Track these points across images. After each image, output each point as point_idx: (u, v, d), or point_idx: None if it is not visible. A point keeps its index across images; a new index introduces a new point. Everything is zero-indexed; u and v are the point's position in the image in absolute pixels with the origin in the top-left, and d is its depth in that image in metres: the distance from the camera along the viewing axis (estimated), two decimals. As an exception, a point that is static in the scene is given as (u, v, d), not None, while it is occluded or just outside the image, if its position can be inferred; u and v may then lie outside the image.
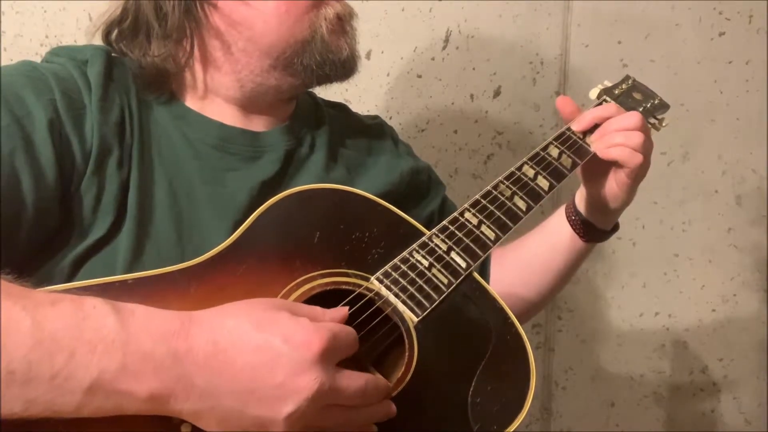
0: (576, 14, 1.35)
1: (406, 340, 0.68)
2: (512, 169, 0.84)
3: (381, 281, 0.71)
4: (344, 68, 0.84)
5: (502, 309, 0.73)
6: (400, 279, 0.71)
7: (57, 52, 0.81)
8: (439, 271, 0.73)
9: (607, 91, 0.95)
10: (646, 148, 0.86)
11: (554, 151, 0.86)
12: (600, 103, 0.93)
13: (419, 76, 1.33)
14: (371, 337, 0.69)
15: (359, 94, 1.29)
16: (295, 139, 0.87)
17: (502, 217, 0.79)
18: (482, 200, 0.80)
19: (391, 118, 1.32)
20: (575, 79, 1.37)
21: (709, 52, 1.39)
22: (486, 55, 1.34)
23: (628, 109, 0.91)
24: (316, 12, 0.81)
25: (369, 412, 0.61)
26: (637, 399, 1.50)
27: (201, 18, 0.81)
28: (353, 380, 0.58)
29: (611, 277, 1.46)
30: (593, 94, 0.95)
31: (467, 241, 0.76)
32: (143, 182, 0.76)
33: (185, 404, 0.55)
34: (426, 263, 0.73)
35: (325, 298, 0.68)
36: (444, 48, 1.33)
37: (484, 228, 0.78)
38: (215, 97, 0.84)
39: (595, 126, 0.89)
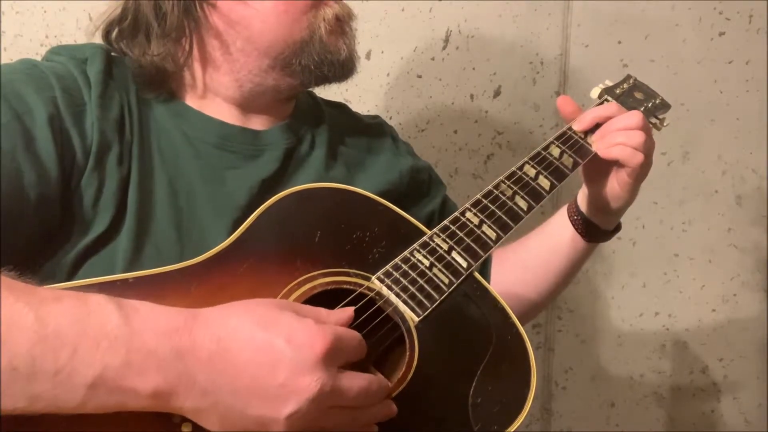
0: (576, 14, 1.35)
1: (407, 340, 0.68)
2: (513, 168, 0.84)
3: (382, 281, 0.71)
4: (343, 69, 0.84)
5: (503, 309, 0.73)
6: (401, 278, 0.71)
7: (57, 51, 0.81)
8: (440, 270, 0.73)
9: (608, 91, 0.95)
10: (648, 148, 0.86)
11: (555, 151, 0.86)
12: (601, 103, 0.93)
13: (419, 76, 1.33)
14: (372, 337, 0.68)
15: (359, 94, 1.29)
16: (295, 137, 0.87)
17: (503, 216, 0.79)
18: (483, 200, 0.80)
19: (391, 118, 1.32)
20: (575, 79, 1.37)
21: (709, 52, 1.39)
22: (486, 55, 1.34)
23: (630, 108, 0.91)
24: (315, 12, 0.81)
25: (370, 412, 0.61)
26: (637, 399, 1.50)
27: (200, 17, 0.81)
28: (354, 381, 0.58)
29: (611, 277, 1.46)
30: (594, 93, 0.95)
31: (468, 240, 0.76)
32: (143, 180, 0.76)
33: (187, 401, 0.55)
34: (427, 263, 0.73)
35: (326, 298, 0.68)
36: (444, 48, 1.33)
37: (485, 227, 0.77)
38: (214, 96, 0.84)
39: (597, 126, 0.89)
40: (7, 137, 0.68)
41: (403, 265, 0.72)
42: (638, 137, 0.85)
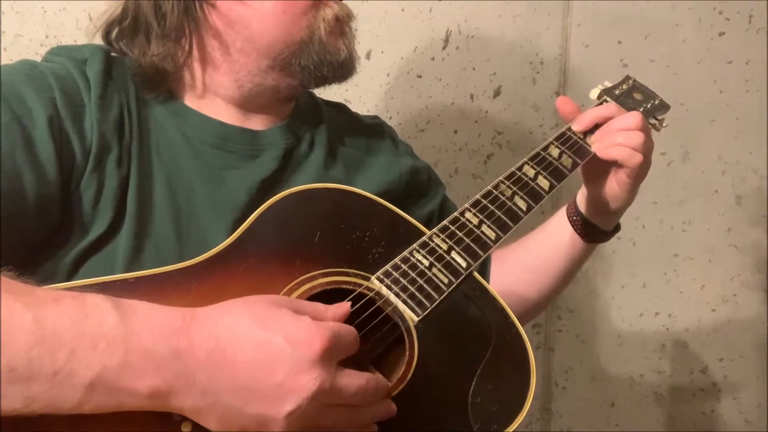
0: (576, 14, 1.35)
1: (407, 340, 0.68)
2: (513, 168, 0.84)
3: (381, 281, 0.71)
4: (342, 70, 0.84)
5: (502, 309, 0.73)
6: (401, 278, 0.71)
7: (56, 52, 0.81)
8: (439, 270, 0.73)
9: (607, 92, 0.95)
10: (647, 148, 0.86)
11: (555, 151, 0.86)
12: (600, 103, 0.93)
13: (419, 76, 1.33)
14: (372, 337, 0.69)
15: (359, 94, 1.29)
16: (294, 137, 0.87)
17: (502, 216, 0.79)
18: (483, 200, 0.80)
19: (391, 118, 1.32)
20: (575, 79, 1.37)
21: (709, 52, 1.39)
22: (486, 55, 1.34)
23: (629, 109, 0.91)
24: (315, 13, 0.81)
25: (369, 411, 0.61)
26: (637, 399, 1.50)
27: (200, 17, 0.81)
28: (354, 379, 0.58)
29: (611, 277, 1.46)
30: (593, 94, 0.95)
31: (468, 240, 0.76)
32: (142, 180, 0.76)
33: (186, 401, 0.55)
34: (426, 263, 0.73)
35: (325, 298, 0.67)
36: (444, 48, 1.33)
37: (484, 228, 0.78)
38: (214, 96, 0.84)
39: (596, 126, 0.89)
40: (7, 138, 0.69)
41: (402, 265, 0.72)
42: (637, 138, 0.85)
